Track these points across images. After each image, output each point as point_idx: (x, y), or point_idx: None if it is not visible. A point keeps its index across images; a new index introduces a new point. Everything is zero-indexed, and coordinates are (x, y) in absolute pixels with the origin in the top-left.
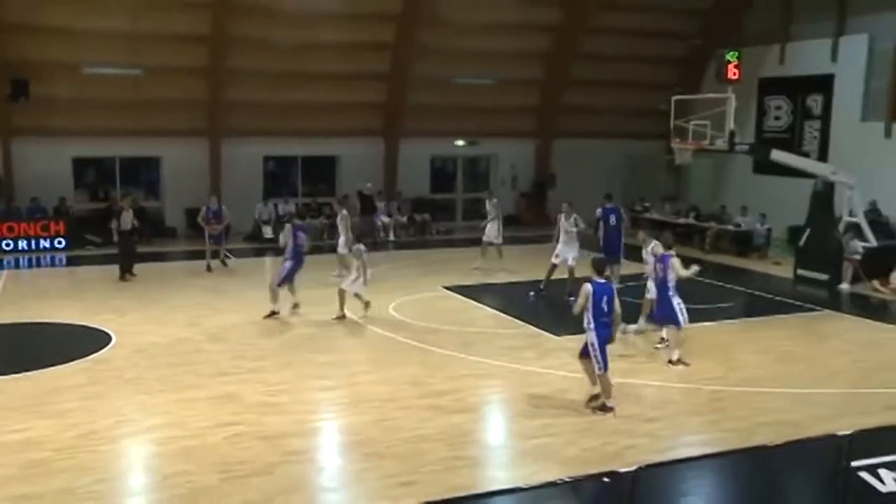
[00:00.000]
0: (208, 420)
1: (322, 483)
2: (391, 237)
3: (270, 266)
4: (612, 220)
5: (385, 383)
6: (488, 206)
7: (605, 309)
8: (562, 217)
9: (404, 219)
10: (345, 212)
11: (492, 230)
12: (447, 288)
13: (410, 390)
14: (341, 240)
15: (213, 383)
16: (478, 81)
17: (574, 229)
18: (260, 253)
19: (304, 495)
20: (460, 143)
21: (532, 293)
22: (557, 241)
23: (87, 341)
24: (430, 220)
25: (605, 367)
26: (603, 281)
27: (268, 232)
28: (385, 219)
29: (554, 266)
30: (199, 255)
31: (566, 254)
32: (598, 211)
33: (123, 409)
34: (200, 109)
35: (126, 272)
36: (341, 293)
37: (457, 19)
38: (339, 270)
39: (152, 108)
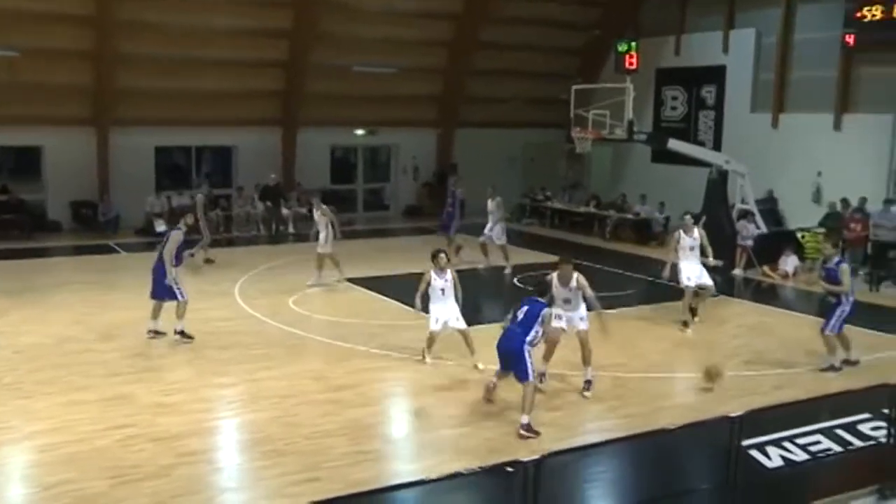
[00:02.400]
0: (97, 423)
1: (220, 483)
2: (290, 229)
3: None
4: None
5: (286, 379)
6: (490, 204)
7: (518, 319)
8: (488, 200)
9: (304, 210)
10: (324, 206)
11: (496, 230)
12: (349, 280)
13: (312, 385)
14: (322, 236)
15: (103, 384)
16: (378, 70)
17: (499, 211)
18: (152, 247)
19: (201, 497)
20: (360, 132)
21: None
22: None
23: None
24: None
25: (502, 369)
26: (535, 298)
27: (160, 225)
28: (285, 211)
29: (484, 245)
30: (85, 249)
31: (492, 232)
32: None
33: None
34: (86, 96)
35: None
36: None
37: (357, 6)
38: (318, 276)
39: (31, 94)
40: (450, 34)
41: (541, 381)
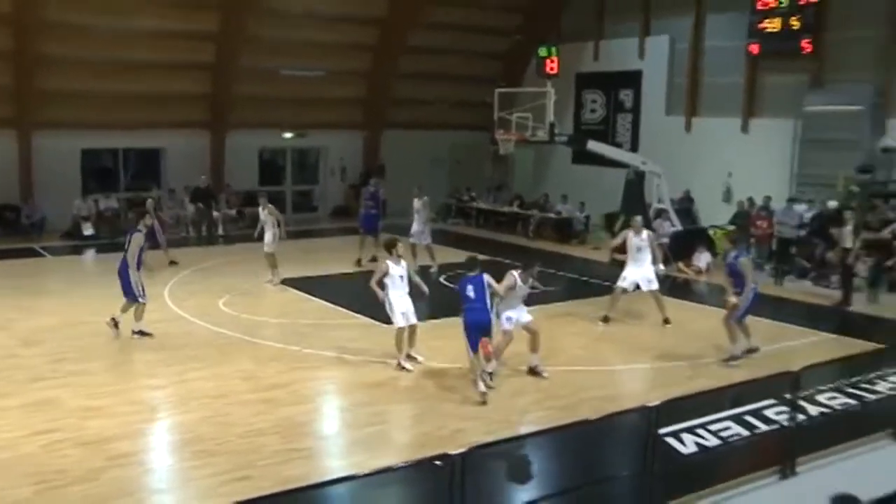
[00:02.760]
0: (20, 429)
1: (151, 485)
2: (220, 231)
3: (93, 264)
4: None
5: (216, 379)
6: (417, 203)
7: (472, 297)
8: (415, 199)
9: (233, 212)
10: (271, 206)
11: (417, 228)
12: (274, 281)
13: (242, 385)
14: (269, 236)
15: (26, 390)
16: (306, 73)
17: (425, 210)
18: (79, 251)
19: (132, 499)
20: (288, 135)
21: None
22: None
23: None
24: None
25: (473, 350)
26: (472, 274)
27: (87, 228)
28: (215, 213)
29: (413, 245)
30: (9, 253)
31: (419, 230)
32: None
33: None
34: (6, 98)
35: None
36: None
37: (284, 9)
38: (273, 274)
39: None
40: (375, 38)
41: (491, 379)
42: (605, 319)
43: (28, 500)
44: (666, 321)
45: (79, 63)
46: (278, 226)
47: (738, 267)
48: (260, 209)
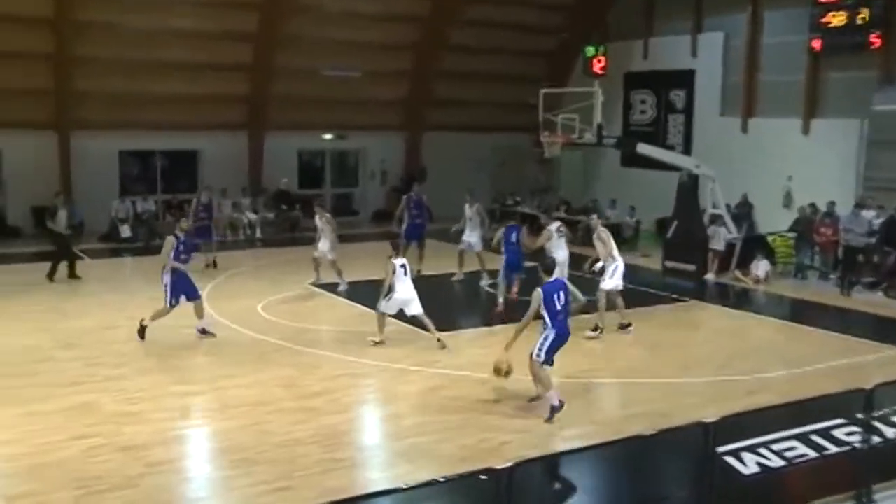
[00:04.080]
0: (59, 434)
1: (189, 494)
2: (258, 234)
3: (130, 267)
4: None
5: (255, 386)
6: (469, 210)
7: (559, 308)
8: (466, 206)
9: (271, 215)
10: (328, 214)
11: (469, 236)
12: (316, 286)
13: (282, 393)
14: (326, 243)
15: (64, 393)
16: (345, 73)
17: (478, 217)
18: (116, 253)
19: None
20: (328, 136)
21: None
22: (462, 229)
23: None
24: (300, 215)
25: (549, 364)
26: (552, 279)
27: (125, 231)
28: (251, 215)
29: (462, 252)
30: (48, 256)
31: (471, 239)
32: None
33: None
34: (45, 99)
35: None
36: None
37: (322, 8)
38: (340, 279)
39: None
40: (416, 37)
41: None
42: (628, 325)
43: None
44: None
45: (115, 63)
46: (334, 233)
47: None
48: (317, 218)
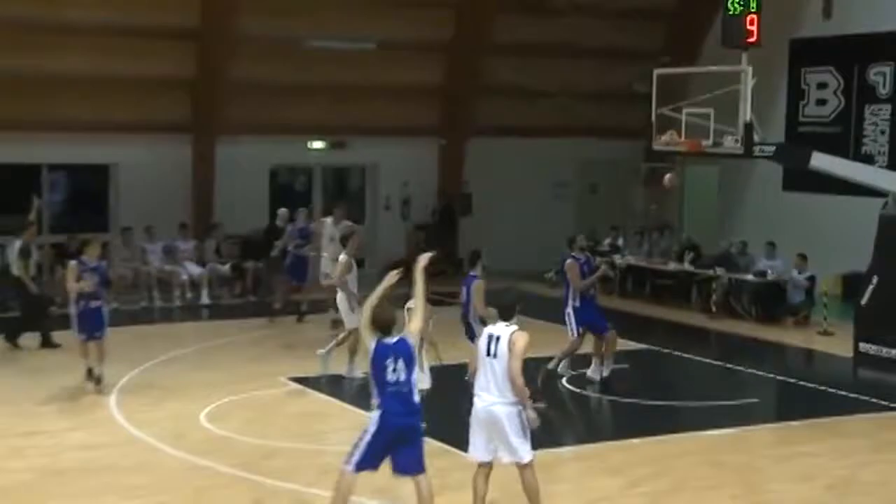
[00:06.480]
0: None
1: None
2: (204, 299)
3: None
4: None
5: None
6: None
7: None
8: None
9: (227, 268)
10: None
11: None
12: (294, 380)
13: None
14: (344, 304)
15: None
16: (347, 45)
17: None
18: None
19: None
20: (319, 144)
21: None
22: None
23: None
24: (266, 269)
25: None
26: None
27: None
28: (194, 269)
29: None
30: None
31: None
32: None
33: None
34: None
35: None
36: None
37: None
38: (351, 364)
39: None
40: None
41: None
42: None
43: None
44: None
45: None
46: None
47: None
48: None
